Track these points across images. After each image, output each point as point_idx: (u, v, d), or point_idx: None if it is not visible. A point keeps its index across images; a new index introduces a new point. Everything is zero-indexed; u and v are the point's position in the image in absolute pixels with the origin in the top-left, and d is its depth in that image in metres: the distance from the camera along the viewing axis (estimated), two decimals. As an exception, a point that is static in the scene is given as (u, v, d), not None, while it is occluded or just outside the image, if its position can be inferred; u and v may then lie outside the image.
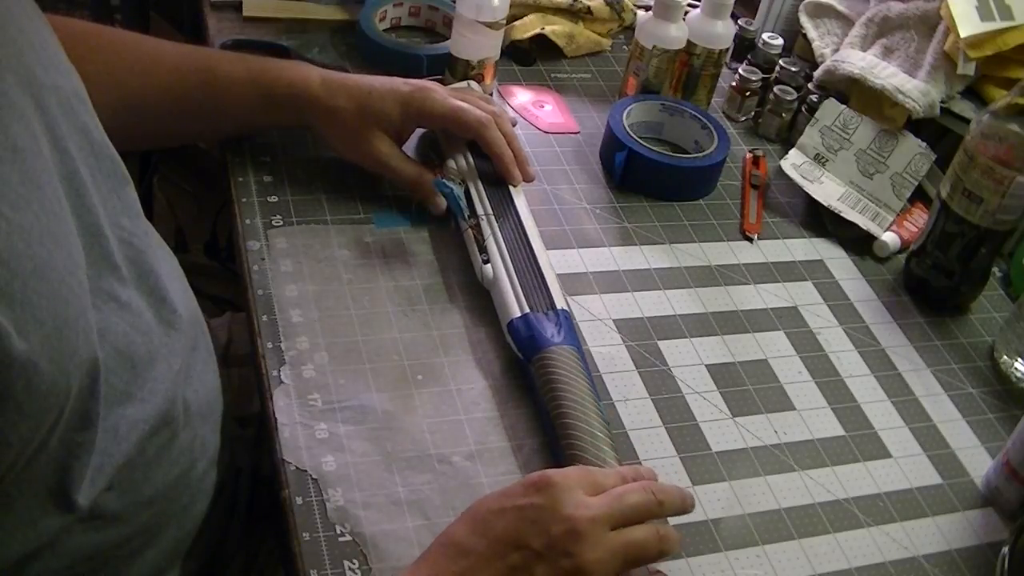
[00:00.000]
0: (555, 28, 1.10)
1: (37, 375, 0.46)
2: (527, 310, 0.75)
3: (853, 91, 1.01)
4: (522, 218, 0.83)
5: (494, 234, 0.81)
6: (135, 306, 0.59)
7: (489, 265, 0.79)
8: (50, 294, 0.48)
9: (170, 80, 0.83)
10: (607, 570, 0.56)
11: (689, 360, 0.81)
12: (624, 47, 1.15)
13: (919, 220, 0.96)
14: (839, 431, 0.78)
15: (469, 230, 0.82)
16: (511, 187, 0.85)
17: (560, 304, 0.76)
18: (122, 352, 0.57)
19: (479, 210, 0.83)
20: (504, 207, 0.84)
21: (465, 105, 0.84)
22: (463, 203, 0.82)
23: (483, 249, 0.81)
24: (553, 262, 0.85)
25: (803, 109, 1.04)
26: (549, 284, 0.78)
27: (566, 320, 0.75)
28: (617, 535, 0.57)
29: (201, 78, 0.83)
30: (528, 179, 0.86)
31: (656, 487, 0.60)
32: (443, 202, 0.84)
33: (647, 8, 1.06)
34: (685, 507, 0.62)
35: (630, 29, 1.15)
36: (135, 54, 0.84)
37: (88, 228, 0.56)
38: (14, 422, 0.47)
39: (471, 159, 0.86)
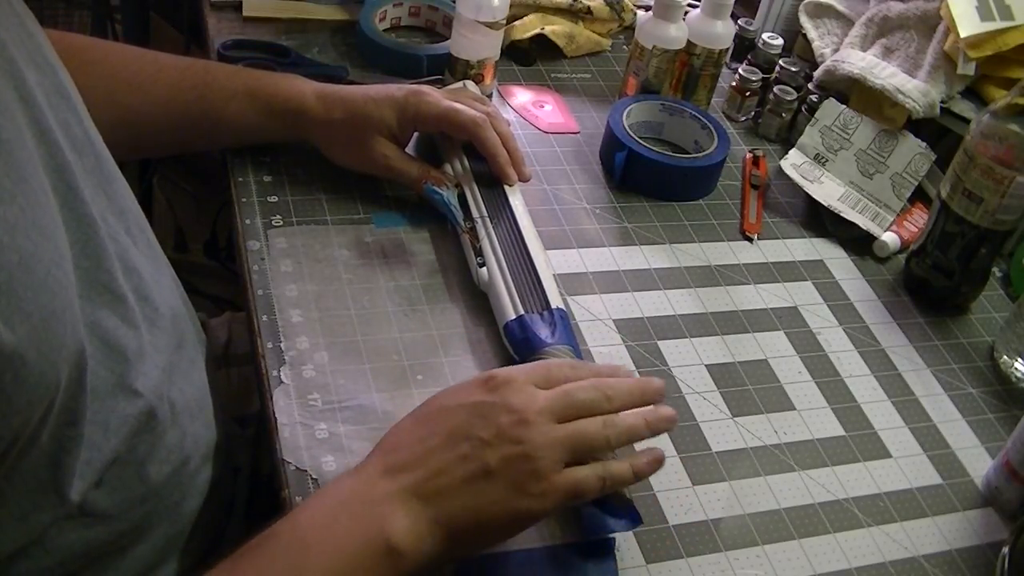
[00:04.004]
0: (555, 28, 1.10)
1: (25, 367, 0.47)
2: (522, 312, 0.75)
3: (853, 91, 1.01)
4: (518, 219, 0.83)
5: (489, 237, 0.81)
6: (129, 300, 0.59)
7: (485, 268, 0.79)
8: (36, 286, 0.48)
9: (167, 95, 0.84)
10: (552, 456, 0.59)
11: (689, 360, 0.81)
12: (624, 47, 1.15)
13: (919, 220, 0.96)
14: (839, 431, 0.78)
15: (465, 234, 0.82)
16: (507, 187, 0.85)
17: (556, 303, 0.76)
18: (111, 345, 0.57)
19: (474, 213, 0.83)
20: (500, 208, 0.84)
21: (459, 106, 0.84)
22: (455, 208, 0.82)
23: (479, 252, 0.81)
24: (553, 262, 0.85)
25: (803, 109, 1.04)
26: (544, 284, 0.78)
27: (561, 319, 0.75)
28: (563, 426, 0.60)
29: (198, 93, 0.84)
30: (524, 178, 0.86)
31: (607, 384, 0.63)
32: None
33: (647, 8, 1.06)
34: (641, 400, 0.64)
35: (630, 29, 1.15)
36: (132, 69, 0.84)
37: (82, 219, 0.56)
38: (4, 414, 0.47)
39: (467, 162, 0.86)
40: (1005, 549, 0.67)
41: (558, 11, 1.11)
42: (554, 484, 0.59)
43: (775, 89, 1.05)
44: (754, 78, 1.06)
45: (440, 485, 0.58)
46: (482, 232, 0.82)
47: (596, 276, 0.86)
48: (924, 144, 0.97)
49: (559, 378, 0.63)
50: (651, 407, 0.64)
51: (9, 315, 0.45)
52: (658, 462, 0.64)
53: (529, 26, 1.09)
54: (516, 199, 0.85)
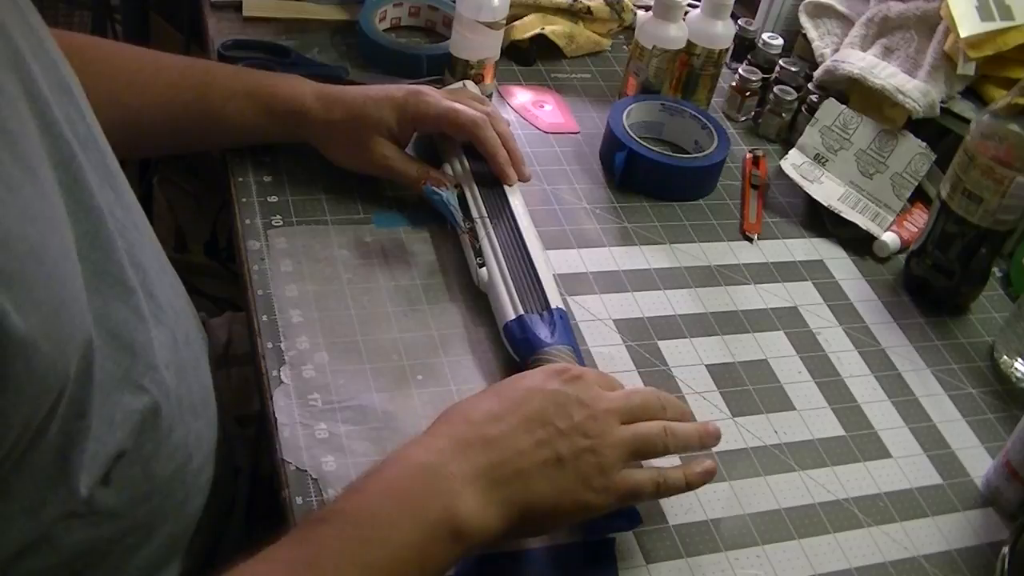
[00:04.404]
0: (555, 28, 1.10)
1: (36, 356, 0.47)
2: (522, 312, 0.75)
3: (853, 91, 1.01)
4: (517, 219, 0.83)
5: (488, 237, 0.81)
6: (139, 293, 0.60)
7: (484, 268, 0.79)
8: (46, 275, 0.48)
9: (167, 95, 0.84)
10: (615, 455, 0.62)
11: (689, 360, 0.81)
12: (624, 47, 1.15)
13: (919, 220, 0.96)
14: (839, 431, 0.78)
15: (465, 234, 0.82)
16: (507, 188, 0.85)
17: (555, 303, 0.76)
18: (119, 337, 0.57)
19: (474, 213, 0.83)
20: (499, 208, 0.84)
21: (459, 106, 0.84)
22: (454, 209, 0.82)
23: (479, 253, 0.81)
24: (553, 262, 0.85)
25: (803, 109, 1.04)
26: (544, 284, 0.78)
27: (561, 319, 0.75)
28: (627, 427, 0.63)
29: (197, 93, 0.84)
30: (524, 178, 0.86)
31: (662, 393, 0.68)
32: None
33: (647, 8, 1.06)
34: (683, 416, 0.68)
35: (630, 29, 1.15)
36: (132, 68, 0.84)
37: (91, 212, 0.56)
38: (15, 403, 0.47)
39: (466, 162, 0.86)
40: (1005, 549, 0.67)
41: (558, 11, 1.11)
42: (615, 482, 0.62)
43: (775, 89, 1.05)
44: (754, 78, 1.06)
45: (515, 468, 0.59)
46: (482, 232, 0.82)
47: (596, 276, 0.86)
48: (924, 144, 0.97)
49: (615, 385, 0.67)
50: (702, 423, 0.68)
51: (20, 303, 0.45)
52: (710, 474, 0.66)
53: (529, 26, 1.09)
54: (516, 199, 0.85)
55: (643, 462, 0.65)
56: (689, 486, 0.65)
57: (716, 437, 0.68)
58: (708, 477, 0.66)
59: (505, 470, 0.59)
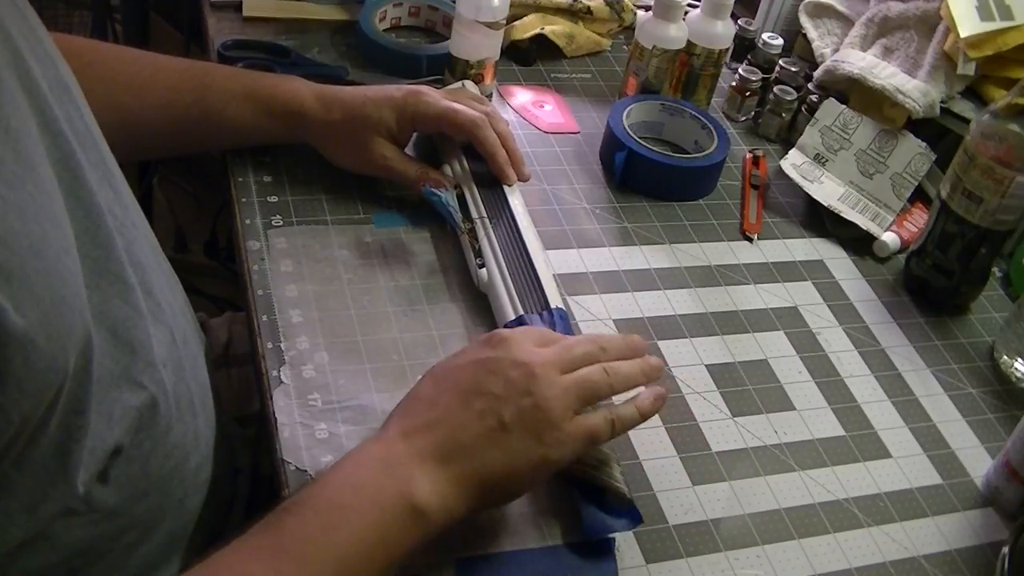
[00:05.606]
0: (555, 28, 1.10)
1: (35, 352, 0.47)
2: (522, 312, 0.75)
3: (853, 91, 1.01)
4: (517, 219, 0.83)
5: (488, 237, 0.81)
6: (138, 291, 0.60)
7: (484, 269, 0.79)
8: (46, 272, 0.48)
9: (166, 97, 0.84)
10: (562, 404, 0.62)
11: (689, 360, 0.81)
12: (624, 47, 1.15)
13: (919, 220, 0.96)
14: (839, 431, 0.78)
15: (464, 235, 0.82)
16: (506, 188, 0.85)
17: (555, 303, 0.76)
18: (118, 334, 0.57)
19: (473, 214, 0.83)
20: (499, 209, 0.84)
21: (458, 106, 0.84)
22: (453, 210, 0.82)
23: (478, 253, 0.81)
24: (553, 262, 0.85)
25: (803, 109, 1.04)
26: (544, 284, 0.78)
27: (561, 319, 0.75)
28: (569, 376, 0.63)
29: (197, 95, 0.84)
30: (523, 178, 0.86)
31: (600, 336, 0.67)
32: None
33: (647, 8, 1.06)
34: (630, 352, 0.67)
35: (630, 29, 1.15)
36: (130, 71, 0.85)
37: (90, 209, 0.56)
38: (15, 399, 0.47)
39: (466, 163, 0.86)
40: (1005, 549, 0.67)
41: (558, 11, 1.11)
42: (568, 431, 0.62)
43: (775, 89, 1.05)
44: (754, 78, 1.06)
45: (459, 443, 0.60)
46: (481, 233, 0.82)
47: (596, 276, 0.86)
48: (924, 144, 0.97)
49: (553, 339, 0.66)
50: (643, 357, 0.68)
51: (20, 300, 0.46)
52: (661, 399, 0.67)
53: (529, 26, 1.09)
54: (515, 199, 0.85)
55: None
56: (643, 416, 0.66)
57: (659, 368, 0.68)
58: (660, 403, 0.67)
59: (452, 447, 0.60)
